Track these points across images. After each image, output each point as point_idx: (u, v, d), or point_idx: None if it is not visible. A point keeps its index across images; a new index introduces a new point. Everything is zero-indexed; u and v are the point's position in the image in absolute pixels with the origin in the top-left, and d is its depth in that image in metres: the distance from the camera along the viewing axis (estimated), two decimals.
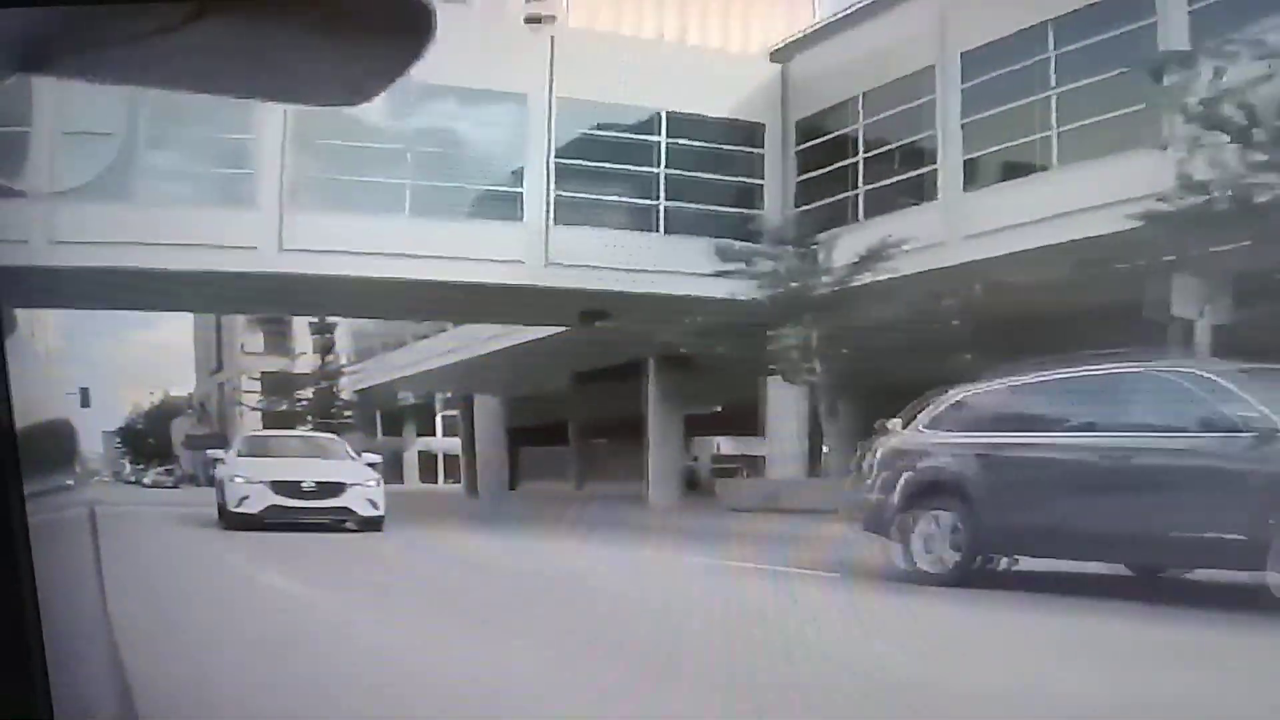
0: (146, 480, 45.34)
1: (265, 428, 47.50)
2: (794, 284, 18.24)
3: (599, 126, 21.35)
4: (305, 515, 14.26)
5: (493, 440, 37.95)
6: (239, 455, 16.16)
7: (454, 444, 43.77)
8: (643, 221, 20.99)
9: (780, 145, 21.78)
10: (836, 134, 21.00)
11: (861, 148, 20.52)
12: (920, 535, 9.07)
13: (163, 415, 59.47)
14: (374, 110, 20.71)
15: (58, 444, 1.33)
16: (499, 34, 22.07)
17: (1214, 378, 7.90)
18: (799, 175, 21.52)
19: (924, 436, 9.60)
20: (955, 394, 9.75)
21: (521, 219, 20.65)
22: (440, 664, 5.49)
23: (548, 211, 20.65)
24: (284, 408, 41.96)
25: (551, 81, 20.83)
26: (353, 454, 16.57)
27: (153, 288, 22.52)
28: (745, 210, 21.45)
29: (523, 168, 20.90)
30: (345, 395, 42.64)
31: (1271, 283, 11.46)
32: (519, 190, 20.87)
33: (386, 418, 52.92)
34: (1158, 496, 7.62)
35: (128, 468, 54.76)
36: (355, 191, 20.60)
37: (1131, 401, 8.33)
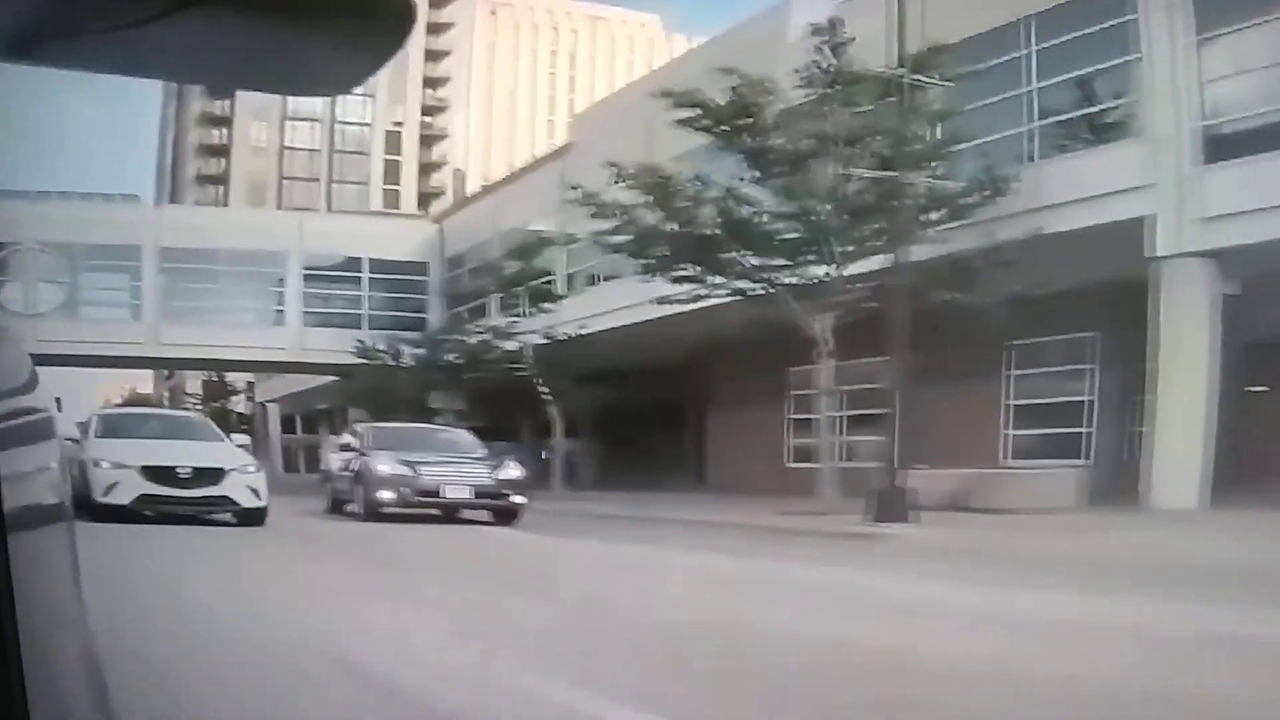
0: None
1: None
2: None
3: (330, 268, 38.27)
4: (181, 506, 13.18)
5: None
6: (99, 436, 14.31)
7: None
8: (355, 323, 37.76)
9: (439, 275, 38.58)
10: (462, 270, 37.76)
11: (467, 278, 37.17)
12: (323, 493, 19.89)
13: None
14: (202, 263, 37.63)
15: (34, 432, 1.29)
16: (268, 220, 38.89)
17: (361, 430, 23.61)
18: (447, 293, 38.26)
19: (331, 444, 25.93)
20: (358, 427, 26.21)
21: (285, 324, 37.70)
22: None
23: (301, 320, 37.64)
24: (214, 406, 58.41)
25: (301, 244, 37.73)
26: (221, 434, 15.69)
27: (91, 361, 39.58)
28: (418, 314, 38.23)
29: (285, 294, 37.85)
30: (247, 404, 59.02)
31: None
32: (284, 308, 37.90)
33: (305, 419, 69.27)
34: None
35: None
36: (195, 313, 37.50)
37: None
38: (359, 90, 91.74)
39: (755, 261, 17.92)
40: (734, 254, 17.85)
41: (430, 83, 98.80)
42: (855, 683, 4.77)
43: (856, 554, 12.53)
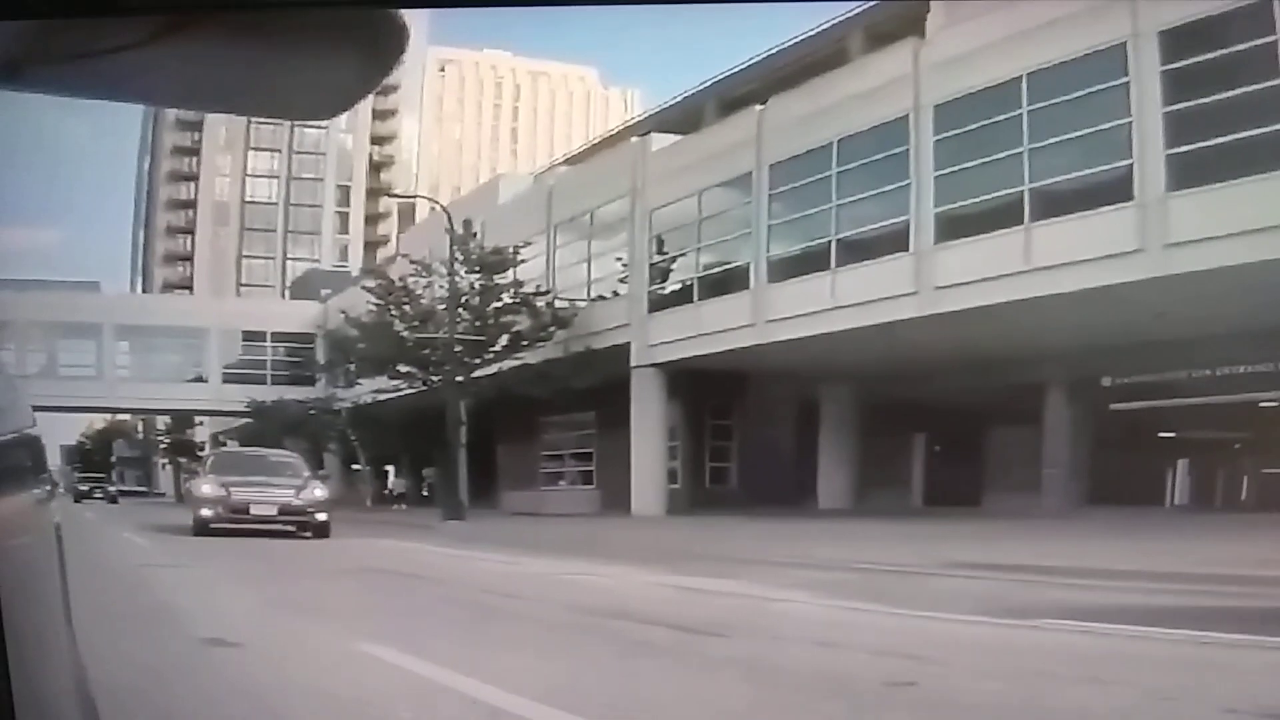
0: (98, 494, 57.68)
1: (167, 453, 76.64)
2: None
3: (246, 340, 51.36)
4: None
5: None
6: None
7: None
8: (262, 380, 50.71)
9: (324, 344, 51.56)
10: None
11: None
12: None
13: (107, 437, 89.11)
14: (148, 337, 50.71)
15: (24, 454, 1.41)
16: (195, 303, 52.20)
17: None
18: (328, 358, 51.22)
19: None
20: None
21: (209, 383, 50.80)
22: None
23: (220, 377, 50.72)
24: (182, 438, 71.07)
25: (221, 321, 50.84)
26: None
27: (66, 409, 52.65)
28: (309, 373, 51.15)
29: (206, 359, 50.98)
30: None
31: None
32: (207, 369, 51.01)
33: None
34: None
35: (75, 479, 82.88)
36: (147, 372, 50.49)
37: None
38: (312, 150, 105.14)
39: (409, 370, 31.25)
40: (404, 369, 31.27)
41: (377, 140, 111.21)
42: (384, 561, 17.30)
43: (422, 533, 25.39)
